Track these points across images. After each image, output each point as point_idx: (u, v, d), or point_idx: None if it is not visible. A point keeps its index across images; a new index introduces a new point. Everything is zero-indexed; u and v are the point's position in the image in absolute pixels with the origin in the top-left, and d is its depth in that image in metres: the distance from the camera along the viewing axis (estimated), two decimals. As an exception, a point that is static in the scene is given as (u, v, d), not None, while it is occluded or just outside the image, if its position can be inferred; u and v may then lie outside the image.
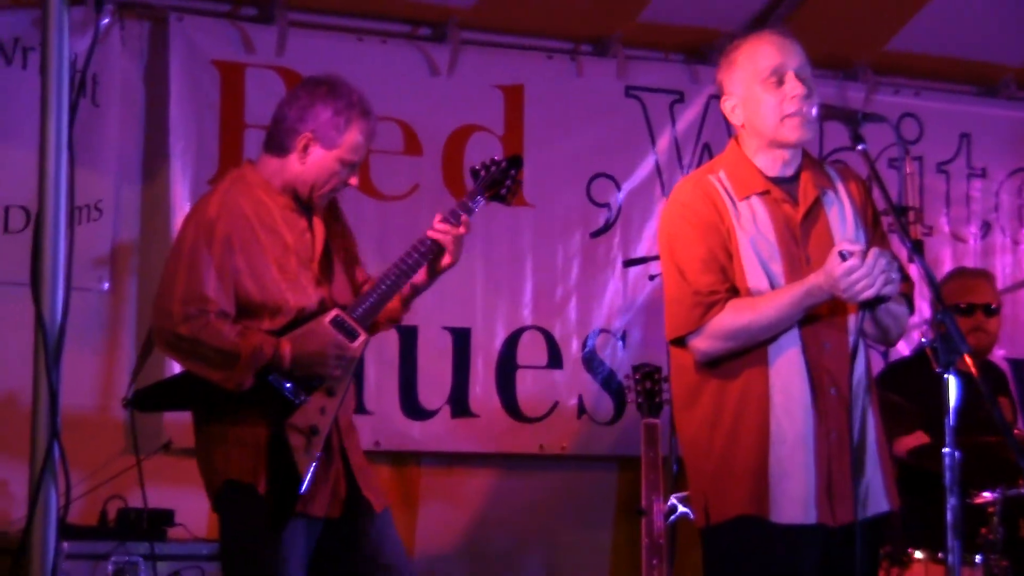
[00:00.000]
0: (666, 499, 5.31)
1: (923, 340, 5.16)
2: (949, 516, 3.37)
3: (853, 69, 6.62)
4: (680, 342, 3.75)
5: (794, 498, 3.61)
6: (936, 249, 6.70)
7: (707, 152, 6.33)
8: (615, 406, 6.22)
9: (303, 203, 4.13)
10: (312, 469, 3.95)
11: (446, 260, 4.22)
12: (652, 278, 6.21)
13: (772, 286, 3.68)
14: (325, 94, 4.10)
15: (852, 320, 3.68)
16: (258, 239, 4.03)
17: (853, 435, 3.65)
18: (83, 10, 4.81)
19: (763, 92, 3.75)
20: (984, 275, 5.88)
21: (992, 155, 6.90)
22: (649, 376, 5.54)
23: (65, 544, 4.80)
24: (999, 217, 6.90)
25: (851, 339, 3.68)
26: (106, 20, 5.54)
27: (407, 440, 5.97)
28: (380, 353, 5.85)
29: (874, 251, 3.54)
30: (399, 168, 6.00)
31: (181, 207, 5.52)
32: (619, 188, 6.33)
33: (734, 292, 3.70)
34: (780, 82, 3.73)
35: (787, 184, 3.80)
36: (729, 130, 3.97)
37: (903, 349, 6.07)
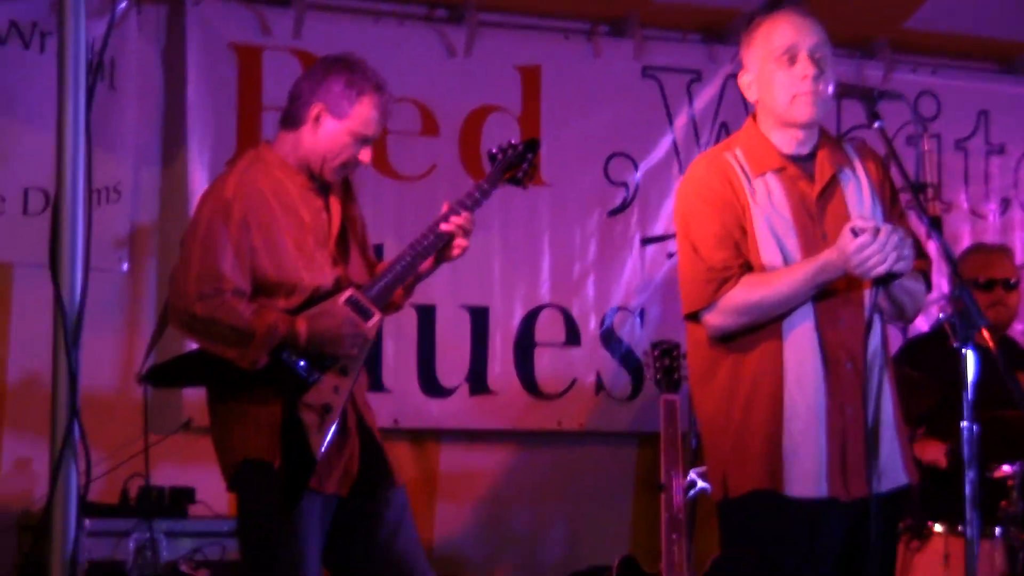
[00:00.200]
0: (685, 474, 5.32)
1: (941, 315, 5.19)
2: (967, 489, 3.38)
3: (871, 47, 6.61)
4: (695, 317, 3.77)
5: (806, 472, 3.62)
6: (955, 226, 6.71)
7: (724, 131, 6.34)
8: (632, 383, 6.24)
9: (320, 182, 4.14)
10: (326, 446, 3.97)
11: (455, 251, 4.23)
12: (670, 256, 6.22)
13: (786, 262, 3.69)
14: (339, 68, 4.12)
15: (867, 296, 3.68)
16: (275, 218, 4.04)
17: (868, 409, 3.66)
18: (101, -6, 4.85)
19: (775, 70, 3.75)
20: (1003, 250, 5.88)
21: (1010, 132, 6.90)
22: (667, 353, 5.54)
23: (87, 522, 4.84)
24: (1018, 193, 6.90)
25: (866, 314, 3.68)
26: (123, 4, 5.57)
27: (426, 418, 6.00)
28: (398, 332, 5.88)
29: (886, 227, 3.54)
30: (416, 148, 6.02)
31: (199, 189, 5.51)
32: (636, 167, 6.35)
33: (748, 268, 3.71)
34: (792, 61, 3.74)
35: (804, 162, 3.80)
36: (747, 108, 3.97)
37: (922, 325, 6.08)
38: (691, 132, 6.42)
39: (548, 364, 6.15)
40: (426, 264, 4.23)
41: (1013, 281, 5.62)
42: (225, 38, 5.77)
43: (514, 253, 6.13)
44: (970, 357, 3.46)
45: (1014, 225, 6.89)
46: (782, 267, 3.69)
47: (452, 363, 6.02)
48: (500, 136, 4.66)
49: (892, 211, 3.85)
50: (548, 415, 6.15)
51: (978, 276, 5.54)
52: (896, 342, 5.59)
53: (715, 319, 3.72)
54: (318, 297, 4.04)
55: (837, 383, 3.66)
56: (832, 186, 3.79)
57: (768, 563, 3.64)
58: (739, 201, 3.74)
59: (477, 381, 6.06)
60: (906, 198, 3.77)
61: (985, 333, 3.45)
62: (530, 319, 6.16)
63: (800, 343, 3.67)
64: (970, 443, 3.41)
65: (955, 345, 3.47)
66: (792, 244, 3.72)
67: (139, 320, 5.64)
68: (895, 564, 3.88)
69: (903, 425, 3.79)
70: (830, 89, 3.73)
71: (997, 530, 4.94)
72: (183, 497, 5.18)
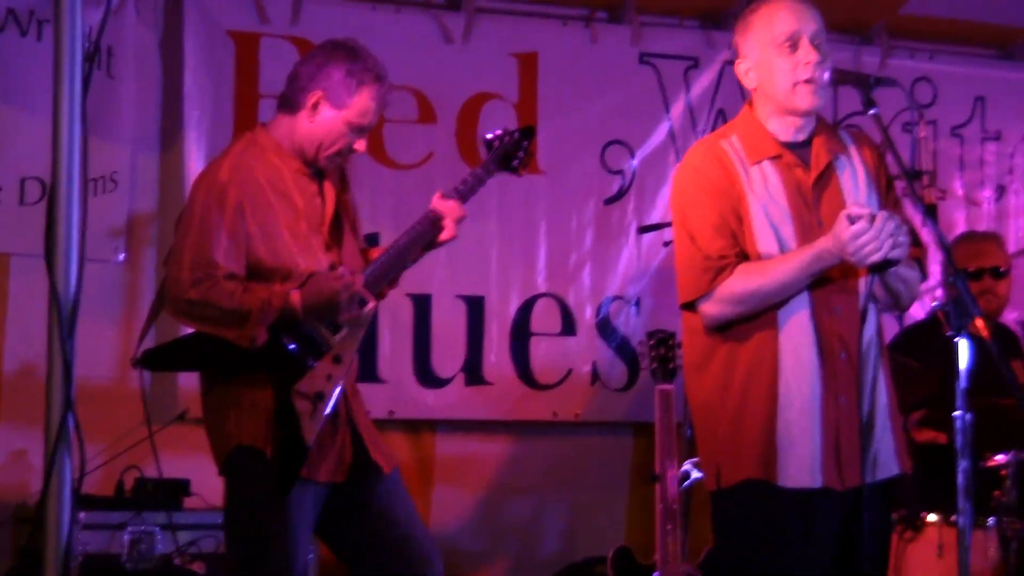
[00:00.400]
0: (680, 465, 5.33)
1: (935, 304, 5.19)
2: (960, 479, 3.39)
3: (868, 33, 6.61)
4: (691, 306, 3.77)
5: (800, 462, 3.62)
6: (950, 213, 6.70)
7: (721, 118, 6.33)
8: (628, 372, 6.24)
9: (314, 167, 4.14)
10: (316, 434, 3.97)
11: (442, 236, 4.23)
12: (666, 244, 6.22)
13: (782, 250, 3.69)
14: (341, 55, 4.10)
15: (862, 284, 3.68)
16: (270, 204, 4.03)
17: (863, 399, 3.66)
18: (97, -19, 4.83)
19: (777, 57, 3.74)
20: (992, 238, 5.87)
21: (1007, 118, 6.90)
22: (663, 342, 5.54)
23: (82, 514, 4.84)
24: (1013, 180, 6.89)
25: (861, 303, 3.69)
26: (120, -8, 5.56)
27: (421, 408, 6.00)
28: (394, 321, 5.88)
29: (882, 214, 3.54)
30: (413, 136, 6.02)
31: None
32: (633, 155, 6.34)
33: (744, 257, 3.71)
34: (794, 48, 3.73)
35: (800, 149, 3.80)
36: (743, 96, 3.97)
37: (918, 314, 6.07)
38: (688, 119, 6.41)
39: (544, 354, 6.15)
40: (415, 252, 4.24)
41: (1003, 269, 5.61)
42: (222, 25, 5.76)
43: (510, 242, 6.13)
44: (963, 346, 3.47)
45: (1009, 212, 6.88)
46: (778, 255, 3.69)
47: (448, 353, 6.02)
48: (497, 123, 4.64)
49: (888, 198, 3.86)
50: (544, 405, 6.15)
51: (967, 265, 5.54)
52: (891, 330, 5.59)
53: (712, 308, 3.72)
54: (313, 282, 4.04)
55: (832, 373, 3.66)
56: (828, 173, 3.79)
57: (761, 553, 3.64)
58: (735, 189, 3.74)
59: (473, 371, 6.06)
60: (902, 185, 3.76)
61: (979, 322, 3.45)
62: (526, 309, 6.16)
63: (796, 332, 3.67)
64: (963, 432, 3.41)
65: (948, 334, 3.47)
66: (788, 232, 3.71)
67: (136, 311, 5.62)
68: (889, 554, 3.88)
69: (897, 415, 3.79)
70: (827, 76, 3.73)
71: (990, 520, 4.94)
72: (178, 489, 5.17)
